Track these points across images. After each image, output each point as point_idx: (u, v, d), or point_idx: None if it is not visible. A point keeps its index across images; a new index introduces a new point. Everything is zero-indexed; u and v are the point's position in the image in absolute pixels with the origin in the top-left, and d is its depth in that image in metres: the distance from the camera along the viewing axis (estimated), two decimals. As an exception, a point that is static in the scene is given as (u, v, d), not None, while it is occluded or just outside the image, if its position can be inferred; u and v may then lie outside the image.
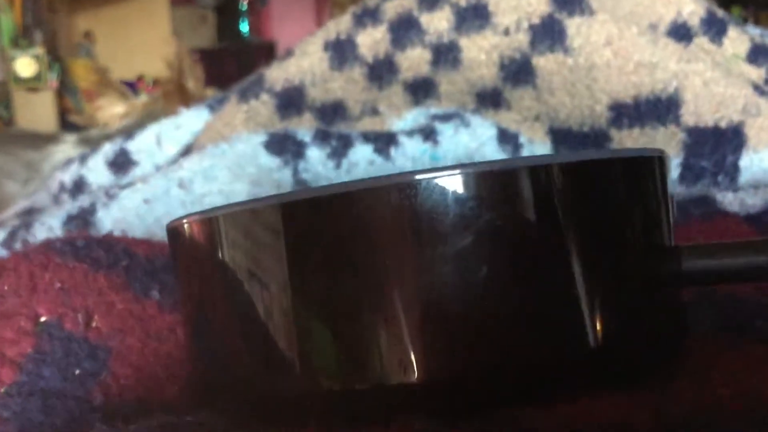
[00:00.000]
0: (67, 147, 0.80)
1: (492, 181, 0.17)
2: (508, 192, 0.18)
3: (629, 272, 0.19)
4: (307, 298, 0.18)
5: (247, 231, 0.19)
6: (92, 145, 0.77)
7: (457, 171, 0.17)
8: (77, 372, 0.24)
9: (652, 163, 0.20)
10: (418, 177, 0.17)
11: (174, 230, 0.21)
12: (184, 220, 0.21)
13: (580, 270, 0.18)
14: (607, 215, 0.19)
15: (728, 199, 0.36)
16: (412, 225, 0.17)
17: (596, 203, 0.18)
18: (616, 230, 0.19)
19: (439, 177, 0.17)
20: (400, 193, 0.17)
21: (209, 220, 0.20)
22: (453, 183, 0.17)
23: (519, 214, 0.18)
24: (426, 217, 0.17)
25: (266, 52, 2.23)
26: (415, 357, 0.17)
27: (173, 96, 0.96)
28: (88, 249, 0.29)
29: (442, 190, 0.17)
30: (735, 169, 0.41)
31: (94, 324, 0.26)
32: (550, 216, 0.18)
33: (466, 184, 0.17)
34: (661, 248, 0.20)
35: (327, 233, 0.18)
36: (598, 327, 0.18)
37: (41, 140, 0.83)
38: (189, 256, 0.21)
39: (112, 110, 1.03)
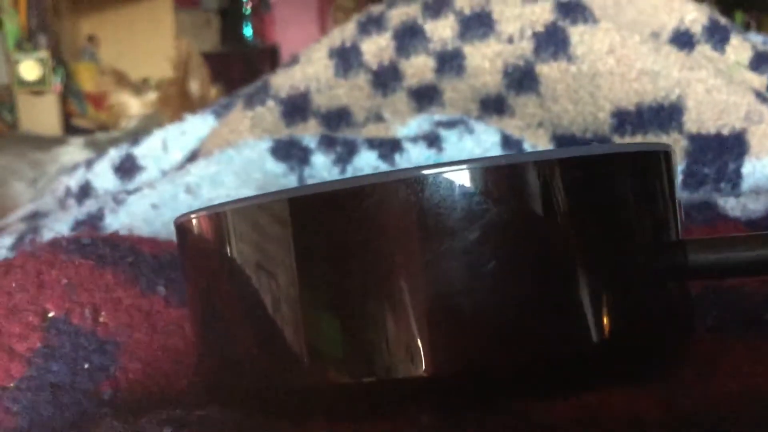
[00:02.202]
0: (74, 149, 0.80)
1: (499, 176, 0.18)
2: (514, 186, 0.18)
3: (636, 266, 0.19)
4: (315, 292, 0.18)
5: (255, 226, 0.19)
6: (98, 147, 0.78)
7: (464, 166, 0.18)
8: (86, 366, 0.25)
9: (657, 157, 0.20)
10: (425, 172, 0.17)
11: (182, 226, 0.21)
12: (192, 216, 0.21)
13: (587, 264, 0.18)
14: (613, 209, 0.19)
15: (730, 205, 0.36)
16: (420, 219, 0.17)
17: (602, 197, 0.19)
18: (622, 224, 0.19)
19: (446, 172, 0.17)
20: (408, 188, 0.17)
21: (217, 215, 0.20)
22: (460, 178, 0.17)
23: (525, 208, 0.18)
24: (433, 211, 0.17)
25: (269, 56, 2.23)
26: (422, 350, 0.18)
27: (172, 100, 0.96)
28: (94, 246, 0.29)
29: (449, 185, 0.17)
30: (737, 175, 0.41)
31: (101, 319, 0.26)
32: (557, 210, 0.18)
33: (473, 178, 0.17)
34: (667, 242, 0.20)
35: (335, 228, 0.18)
36: (605, 320, 0.18)
37: (48, 142, 0.83)
38: (197, 251, 0.21)
39: (127, 107, 1.03)
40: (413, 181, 0.17)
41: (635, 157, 0.19)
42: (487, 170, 0.17)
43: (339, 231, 0.18)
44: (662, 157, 0.20)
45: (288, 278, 0.18)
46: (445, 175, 0.17)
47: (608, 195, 0.19)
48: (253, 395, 0.20)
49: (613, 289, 0.18)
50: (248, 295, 0.19)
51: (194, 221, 0.21)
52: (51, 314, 0.26)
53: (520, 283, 0.18)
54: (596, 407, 0.18)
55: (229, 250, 0.20)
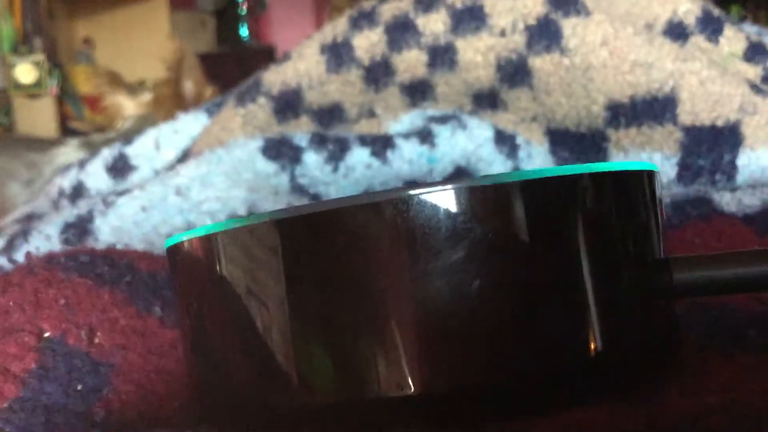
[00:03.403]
0: (70, 150, 0.80)
1: (483, 196, 0.18)
2: (499, 206, 0.18)
3: (620, 285, 0.19)
4: (304, 313, 0.18)
5: (244, 248, 0.19)
6: (94, 148, 0.77)
7: (449, 186, 0.18)
8: (79, 388, 0.25)
9: (641, 176, 0.20)
10: (410, 192, 0.18)
11: (173, 249, 0.22)
12: (183, 239, 0.21)
13: (572, 283, 0.18)
14: (597, 228, 0.19)
15: (726, 200, 0.36)
16: (406, 240, 0.18)
17: (586, 217, 0.19)
18: (606, 243, 0.19)
19: (430, 192, 0.18)
20: (393, 209, 0.18)
21: (207, 237, 0.20)
22: (445, 198, 0.18)
23: (510, 228, 0.18)
24: (418, 231, 0.18)
25: (266, 57, 2.23)
26: (410, 370, 0.18)
27: (166, 101, 0.96)
28: (92, 265, 0.30)
29: (434, 206, 0.18)
30: (732, 167, 0.41)
31: (96, 340, 0.27)
32: (541, 229, 0.18)
33: (457, 199, 0.18)
34: (651, 260, 0.20)
35: (322, 249, 0.18)
36: (591, 339, 0.18)
37: (44, 143, 0.83)
38: (188, 273, 0.21)
39: (122, 108, 1.03)
40: (398, 202, 0.18)
41: (619, 176, 0.20)
42: (471, 190, 0.18)
43: (326, 251, 0.18)
44: (646, 176, 0.20)
45: (277, 298, 0.19)
46: (430, 196, 0.18)
47: (592, 214, 0.19)
48: (243, 415, 0.20)
49: (597, 308, 0.18)
50: (238, 316, 0.20)
51: (185, 244, 0.21)
52: (47, 334, 0.26)
53: (505, 302, 0.18)
54: (580, 424, 0.17)
55: (218, 273, 0.20)
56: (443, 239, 0.18)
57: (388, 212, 0.18)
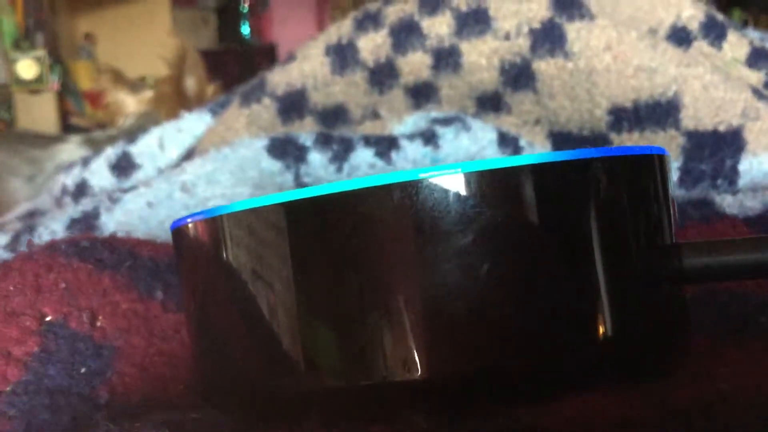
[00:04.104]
0: (71, 147, 0.80)
1: (492, 180, 0.18)
2: (508, 190, 0.18)
3: (631, 270, 0.19)
4: (311, 296, 0.18)
5: (250, 230, 0.19)
6: (96, 145, 0.78)
7: (458, 170, 0.18)
8: (83, 371, 0.25)
9: (652, 160, 0.20)
10: (419, 176, 0.18)
11: (178, 231, 0.22)
12: (188, 221, 0.21)
13: (581, 268, 0.18)
14: (607, 213, 0.19)
15: (727, 202, 0.36)
16: (414, 223, 0.18)
17: (596, 201, 0.19)
18: (616, 228, 0.19)
19: (440, 176, 0.18)
20: (402, 192, 0.18)
21: (213, 219, 0.20)
22: (454, 182, 0.18)
23: (519, 212, 0.18)
24: (428, 215, 0.17)
25: (267, 54, 2.23)
26: (418, 354, 0.18)
27: (167, 98, 0.96)
28: (93, 250, 0.29)
29: (443, 189, 0.18)
30: (734, 172, 0.41)
31: (98, 323, 0.27)
32: (551, 214, 0.18)
33: (467, 182, 0.18)
34: (662, 246, 0.20)
35: (330, 232, 0.18)
36: (601, 324, 0.18)
37: (45, 140, 0.83)
38: (193, 256, 0.21)
39: (124, 105, 1.03)
40: (407, 185, 0.18)
41: (630, 160, 0.19)
42: (481, 174, 0.18)
43: (333, 235, 0.18)
44: (657, 160, 0.20)
45: (284, 282, 0.19)
46: (440, 179, 0.18)
47: (602, 198, 0.19)
48: (248, 399, 0.20)
49: (607, 293, 0.18)
50: (244, 299, 0.19)
51: (190, 226, 0.21)
52: (48, 318, 0.26)
53: (514, 287, 0.18)
54: (590, 409, 0.18)
55: (224, 255, 0.20)
56: (452, 223, 0.17)
57: (396, 195, 0.18)
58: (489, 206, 0.18)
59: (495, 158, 0.18)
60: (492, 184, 0.18)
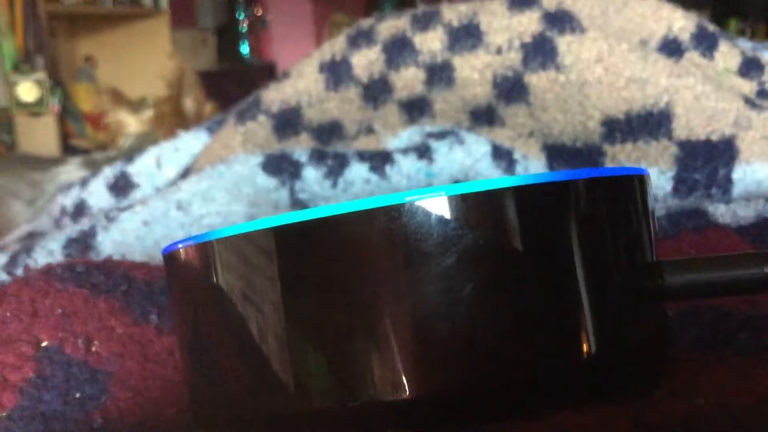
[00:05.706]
0: (72, 168, 0.80)
1: (475, 202, 0.18)
2: (490, 212, 0.18)
3: (612, 288, 0.19)
4: (300, 319, 0.19)
5: (240, 255, 0.19)
6: (96, 167, 0.78)
7: (441, 193, 0.18)
8: (78, 396, 0.25)
9: (632, 181, 0.20)
10: (403, 199, 0.18)
11: (170, 256, 0.22)
12: (180, 246, 0.21)
13: (563, 287, 0.18)
14: (588, 233, 0.19)
15: (720, 211, 0.36)
16: (399, 246, 0.18)
17: (577, 222, 0.19)
18: (598, 247, 0.19)
19: (423, 199, 0.18)
20: (386, 216, 0.18)
21: (203, 245, 0.20)
22: (437, 205, 0.18)
23: (502, 233, 0.18)
24: (412, 238, 0.18)
25: (267, 74, 2.24)
26: (405, 375, 0.18)
27: (166, 118, 0.97)
28: (88, 274, 0.30)
29: (427, 212, 0.18)
30: (728, 181, 0.41)
31: (94, 348, 0.27)
32: (532, 235, 0.18)
33: (450, 205, 0.18)
34: (643, 264, 0.20)
35: (317, 255, 0.18)
36: (584, 343, 0.18)
37: (46, 162, 0.84)
38: (185, 280, 0.22)
39: (124, 126, 1.04)
40: (393, 209, 0.18)
41: (610, 181, 0.20)
42: (463, 197, 0.18)
43: (321, 258, 0.18)
44: (636, 180, 0.21)
45: (273, 305, 0.19)
46: (423, 202, 0.18)
47: (583, 219, 0.19)
48: (239, 421, 0.20)
49: (589, 311, 0.19)
50: (234, 322, 0.20)
51: (181, 251, 0.21)
52: (44, 344, 0.26)
53: (497, 307, 0.18)
54: (572, 426, 0.18)
55: (215, 279, 0.20)
56: (436, 245, 0.18)
57: (381, 219, 0.18)
58: (472, 228, 0.18)
59: (478, 180, 0.19)
60: (474, 207, 0.18)
